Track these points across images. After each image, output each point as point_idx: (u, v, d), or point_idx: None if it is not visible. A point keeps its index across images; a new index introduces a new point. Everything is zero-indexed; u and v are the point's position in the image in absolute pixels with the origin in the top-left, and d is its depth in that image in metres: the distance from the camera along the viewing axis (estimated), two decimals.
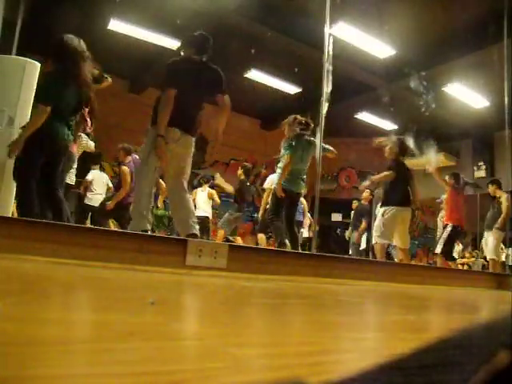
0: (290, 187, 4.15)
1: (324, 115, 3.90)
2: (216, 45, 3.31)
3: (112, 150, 9.22)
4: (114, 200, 5.17)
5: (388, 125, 10.28)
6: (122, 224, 5.28)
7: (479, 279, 3.93)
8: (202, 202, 6.87)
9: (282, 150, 4.24)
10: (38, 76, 3.73)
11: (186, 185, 3.02)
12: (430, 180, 10.16)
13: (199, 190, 7.07)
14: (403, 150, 5.18)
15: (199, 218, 6.39)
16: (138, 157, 5.29)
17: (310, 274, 2.50)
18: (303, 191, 4.43)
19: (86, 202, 5.82)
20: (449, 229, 5.87)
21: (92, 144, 4.85)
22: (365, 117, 10.08)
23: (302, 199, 6.32)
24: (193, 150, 3.07)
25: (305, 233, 7.83)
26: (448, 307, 1.99)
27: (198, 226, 2.93)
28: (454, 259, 5.98)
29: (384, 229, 4.59)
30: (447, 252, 5.78)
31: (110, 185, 6.35)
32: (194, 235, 2.79)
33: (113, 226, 5.76)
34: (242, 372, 0.43)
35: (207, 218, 7.03)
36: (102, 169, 7.87)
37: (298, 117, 4.32)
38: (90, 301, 0.93)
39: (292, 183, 4.17)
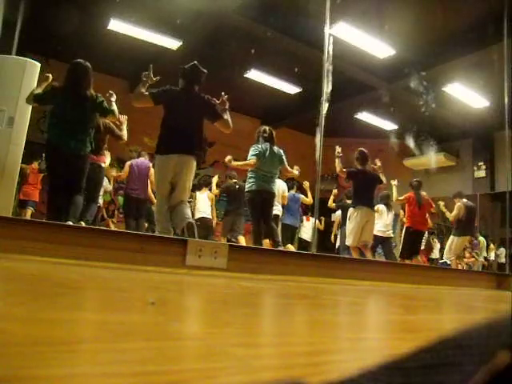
0: (262, 188, 4.36)
1: (324, 115, 3.90)
2: (216, 45, 3.36)
3: (112, 150, 9.24)
4: None
5: (388, 125, 10.27)
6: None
7: (479, 279, 3.93)
8: (203, 204, 6.96)
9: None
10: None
11: None
12: (429, 180, 10.18)
13: (198, 193, 7.10)
14: (364, 159, 5.52)
15: (199, 219, 6.61)
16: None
17: (310, 274, 2.50)
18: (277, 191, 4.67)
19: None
20: (404, 232, 6.49)
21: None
22: (365, 117, 10.07)
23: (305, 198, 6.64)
24: None
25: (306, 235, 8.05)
26: (448, 307, 1.99)
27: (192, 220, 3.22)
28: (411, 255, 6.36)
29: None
30: (406, 253, 6.24)
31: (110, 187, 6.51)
32: (190, 223, 3.08)
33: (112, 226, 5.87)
34: (242, 372, 0.43)
35: (207, 218, 7.20)
36: None
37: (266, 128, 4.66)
38: (90, 301, 0.93)
39: (264, 184, 4.38)
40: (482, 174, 10.16)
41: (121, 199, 9.12)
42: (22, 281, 1.19)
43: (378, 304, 1.81)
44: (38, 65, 3.78)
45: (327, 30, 4.13)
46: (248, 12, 6.26)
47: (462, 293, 3.16)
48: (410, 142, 9.30)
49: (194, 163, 3.35)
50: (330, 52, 3.97)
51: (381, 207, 6.58)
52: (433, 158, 9.91)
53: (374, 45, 6.92)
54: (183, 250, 2.08)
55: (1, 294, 0.90)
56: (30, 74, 3.67)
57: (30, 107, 3.67)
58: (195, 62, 3.45)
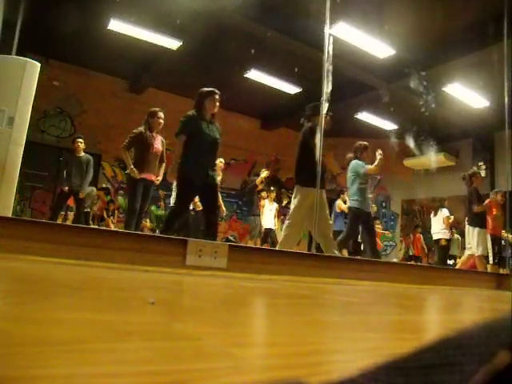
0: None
1: (324, 115, 3.91)
2: (216, 45, 3.37)
3: (112, 150, 9.25)
4: None
5: (388, 125, 10.27)
6: None
7: (479, 279, 3.92)
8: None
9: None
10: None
11: None
12: (429, 180, 10.17)
13: None
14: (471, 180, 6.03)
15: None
16: None
17: (310, 274, 2.50)
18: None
19: None
20: None
21: None
22: (365, 117, 10.07)
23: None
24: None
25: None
26: (448, 307, 1.99)
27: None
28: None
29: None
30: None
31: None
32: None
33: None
34: (242, 372, 0.43)
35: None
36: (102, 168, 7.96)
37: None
38: (89, 301, 0.93)
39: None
40: (481, 174, 10.16)
41: (121, 199, 9.14)
42: (22, 281, 1.19)
43: (378, 304, 1.81)
44: (38, 65, 3.77)
45: (327, 30, 4.12)
46: (248, 12, 6.26)
47: (461, 293, 3.16)
48: (410, 142, 9.30)
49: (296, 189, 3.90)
50: (330, 52, 3.97)
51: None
52: (433, 158, 9.91)
53: (374, 45, 6.92)
54: (183, 250, 2.08)
55: (1, 294, 0.90)
56: (30, 74, 3.66)
57: (30, 107, 3.67)
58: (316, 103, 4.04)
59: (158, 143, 4.50)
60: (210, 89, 3.62)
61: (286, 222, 3.98)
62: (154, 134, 4.45)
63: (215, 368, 0.44)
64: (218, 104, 3.61)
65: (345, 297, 1.86)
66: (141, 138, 4.36)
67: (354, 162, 4.87)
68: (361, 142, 5.01)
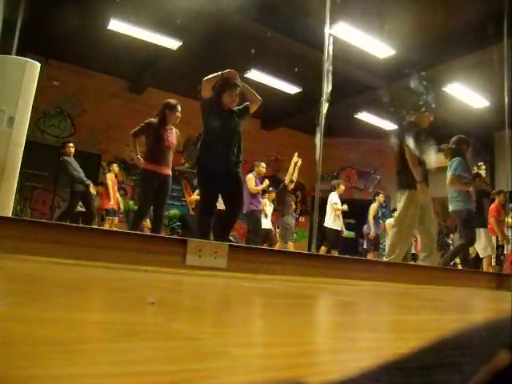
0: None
1: (324, 115, 3.91)
2: (216, 45, 3.36)
3: (112, 150, 9.24)
4: None
5: (388, 125, 10.26)
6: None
7: (479, 279, 3.92)
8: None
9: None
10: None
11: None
12: (429, 180, 10.11)
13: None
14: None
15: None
16: None
17: (310, 274, 2.50)
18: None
19: None
20: None
21: None
22: (365, 117, 10.07)
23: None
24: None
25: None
26: (448, 307, 1.99)
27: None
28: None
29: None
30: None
31: None
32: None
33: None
34: (242, 372, 0.43)
35: None
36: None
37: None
38: (90, 301, 0.93)
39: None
40: (482, 174, 10.16)
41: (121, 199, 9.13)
42: (22, 281, 1.19)
43: (379, 304, 1.81)
44: (38, 65, 3.77)
45: (327, 30, 4.13)
46: (248, 12, 6.26)
47: (461, 293, 3.16)
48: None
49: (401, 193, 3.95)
50: (330, 52, 3.97)
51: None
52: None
53: (374, 45, 6.92)
54: (183, 249, 2.08)
55: (1, 294, 0.89)
56: (30, 74, 3.66)
57: (30, 107, 3.67)
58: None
59: (173, 137, 4.24)
60: (231, 81, 3.39)
61: (394, 228, 3.92)
62: (170, 127, 4.20)
63: (215, 368, 0.44)
64: (236, 99, 3.43)
65: (345, 297, 1.86)
66: (152, 128, 4.11)
67: (458, 159, 4.99)
68: (461, 136, 5.08)
